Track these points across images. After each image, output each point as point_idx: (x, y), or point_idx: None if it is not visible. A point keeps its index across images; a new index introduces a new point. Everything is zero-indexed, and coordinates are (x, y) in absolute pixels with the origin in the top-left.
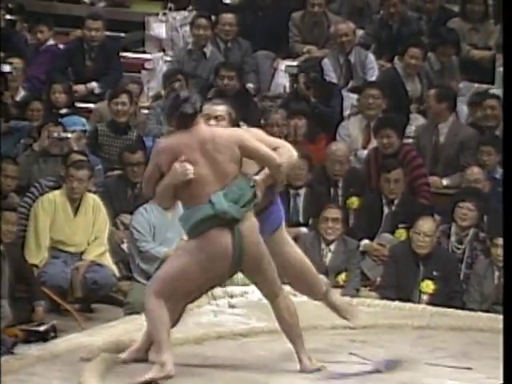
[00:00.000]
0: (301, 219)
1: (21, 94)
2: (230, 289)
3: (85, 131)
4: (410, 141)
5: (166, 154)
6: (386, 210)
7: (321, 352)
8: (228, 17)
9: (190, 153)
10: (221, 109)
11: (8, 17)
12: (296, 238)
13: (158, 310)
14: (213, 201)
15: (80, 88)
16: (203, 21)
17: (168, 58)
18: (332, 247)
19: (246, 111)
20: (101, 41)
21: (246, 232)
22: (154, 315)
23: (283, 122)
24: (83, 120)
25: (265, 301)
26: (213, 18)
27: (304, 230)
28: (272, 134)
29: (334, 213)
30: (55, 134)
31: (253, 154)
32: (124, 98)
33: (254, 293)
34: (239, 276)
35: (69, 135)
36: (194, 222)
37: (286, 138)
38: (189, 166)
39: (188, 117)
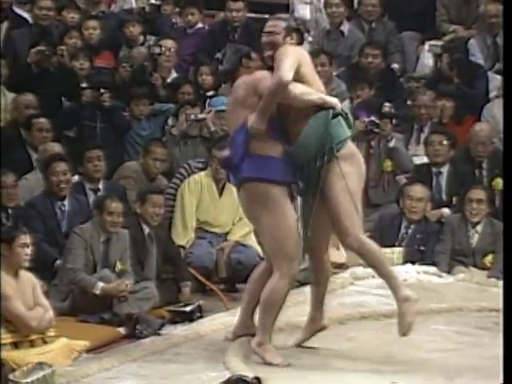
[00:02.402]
0: (444, 198)
1: (173, 76)
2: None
3: None
4: None
5: None
6: None
7: (465, 334)
8: None
9: None
10: None
11: (153, 1)
12: (440, 220)
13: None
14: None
15: None
16: None
17: (310, 39)
18: (478, 228)
19: (391, 91)
20: (243, 22)
21: None
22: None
23: (431, 104)
24: None
25: (409, 281)
26: None
27: (446, 210)
28: (419, 115)
29: (478, 194)
30: (192, 116)
31: None
32: None
33: (398, 273)
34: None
35: (205, 116)
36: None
37: (431, 119)
38: None
39: None
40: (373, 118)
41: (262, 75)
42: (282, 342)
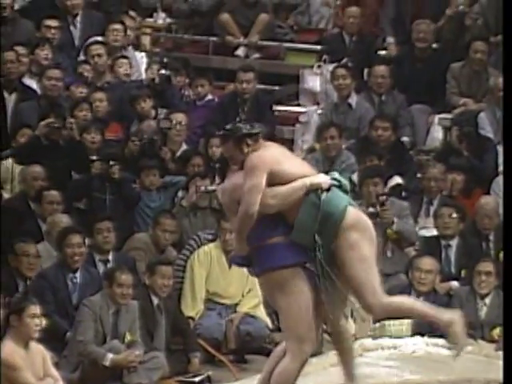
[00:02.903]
0: (452, 271)
1: (183, 148)
2: (381, 341)
3: None
4: None
5: None
6: None
7: None
8: (380, 69)
9: None
10: None
11: (163, 72)
12: (448, 292)
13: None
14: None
15: None
16: (342, 71)
17: (320, 112)
18: (487, 301)
19: (401, 164)
20: (253, 93)
21: None
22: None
23: (441, 177)
24: None
25: (418, 353)
26: (366, 70)
27: (455, 283)
28: (429, 188)
29: (487, 266)
30: (202, 188)
31: None
32: None
33: (406, 345)
34: (392, 328)
35: (215, 187)
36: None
37: (441, 192)
38: None
39: None
40: (372, 210)
41: (237, 181)
42: None
